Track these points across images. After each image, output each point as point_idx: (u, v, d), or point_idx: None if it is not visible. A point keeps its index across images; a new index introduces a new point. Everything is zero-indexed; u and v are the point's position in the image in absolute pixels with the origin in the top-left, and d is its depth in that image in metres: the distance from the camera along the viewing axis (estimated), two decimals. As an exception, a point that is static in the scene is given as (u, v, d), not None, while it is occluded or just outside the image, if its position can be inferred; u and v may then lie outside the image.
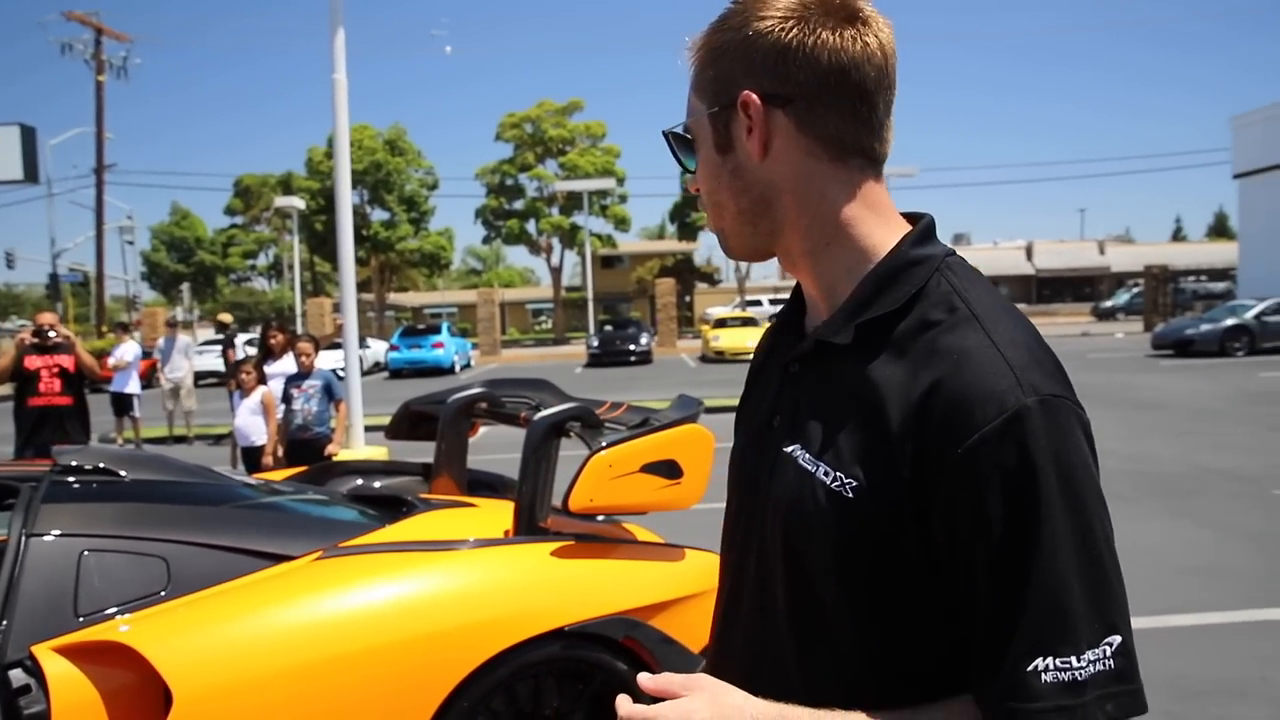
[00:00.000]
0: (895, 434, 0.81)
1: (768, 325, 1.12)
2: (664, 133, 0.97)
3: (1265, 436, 9.37)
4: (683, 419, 2.77)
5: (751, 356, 1.12)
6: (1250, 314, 19.91)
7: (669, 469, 2.62)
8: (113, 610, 2.26)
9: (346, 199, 8.43)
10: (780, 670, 0.90)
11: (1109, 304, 42.00)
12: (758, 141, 0.89)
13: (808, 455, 0.87)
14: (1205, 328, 20.00)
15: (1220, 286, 37.34)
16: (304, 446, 6.21)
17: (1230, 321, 19.86)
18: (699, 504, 2.80)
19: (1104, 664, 0.76)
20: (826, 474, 0.85)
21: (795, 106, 0.88)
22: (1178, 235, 75.73)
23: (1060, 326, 34.14)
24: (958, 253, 0.92)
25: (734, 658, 0.97)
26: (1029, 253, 58.02)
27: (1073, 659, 0.75)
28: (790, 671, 0.89)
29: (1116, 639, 0.77)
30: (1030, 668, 0.75)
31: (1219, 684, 3.60)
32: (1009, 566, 0.77)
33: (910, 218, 0.94)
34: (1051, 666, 0.75)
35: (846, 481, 0.83)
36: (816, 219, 0.91)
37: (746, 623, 0.96)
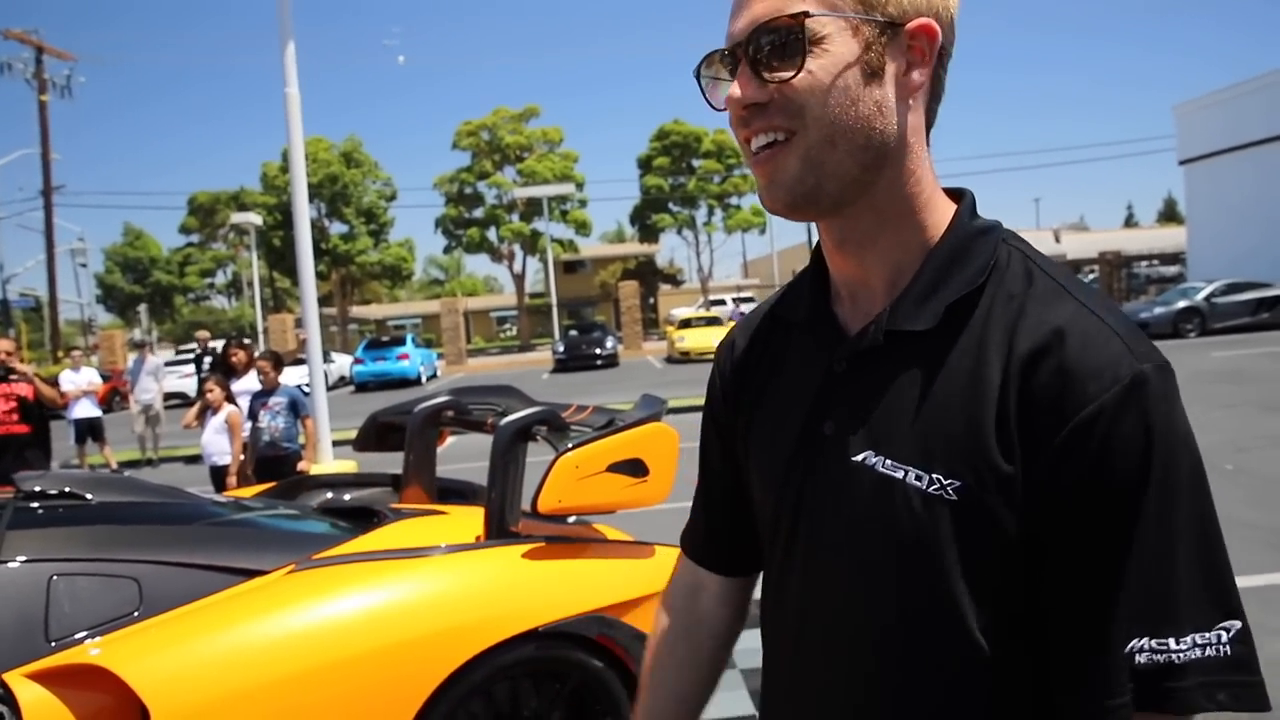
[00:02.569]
0: (998, 419, 0.73)
1: (755, 321, 0.99)
2: (776, 20, 0.76)
3: (1218, 414, 9.63)
4: (646, 418, 2.82)
5: (722, 357, 1.01)
6: (1200, 296, 20.41)
7: (635, 467, 2.67)
8: (83, 634, 2.25)
9: (304, 213, 8.38)
10: (869, 701, 0.81)
11: (1066, 291, 42.71)
12: (920, 79, 0.79)
13: (888, 461, 0.78)
14: (1158, 311, 20.43)
15: (1172, 270, 38.16)
16: (274, 463, 6.17)
17: (1182, 304, 20.33)
18: (667, 502, 2.85)
19: (1215, 650, 0.69)
20: (919, 478, 0.76)
21: (941, 64, 0.81)
22: (1130, 221, 77.41)
23: (1019, 315, 34.69)
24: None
25: (808, 705, 0.87)
26: (986, 243, 58.97)
27: (1171, 641, 0.69)
28: (887, 708, 0.80)
29: (1235, 624, 0.70)
30: (1126, 650, 0.70)
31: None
32: (1122, 550, 0.70)
33: (950, 192, 0.86)
34: (1148, 648, 0.70)
35: (947, 483, 0.75)
36: (913, 183, 0.81)
37: (821, 654, 0.85)
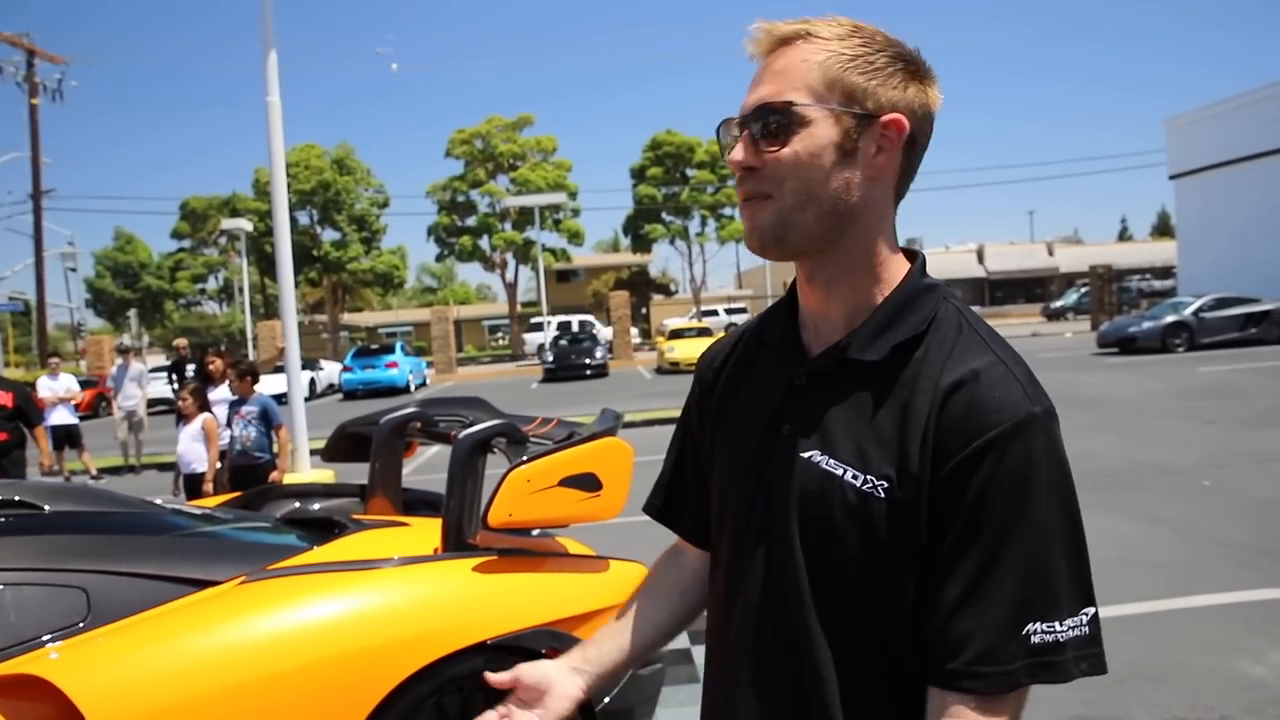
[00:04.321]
0: (920, 437, 0.91)
1: (735, 337, 1.17)
2: (772, 104, 0.95)
3: (1199, 430, 9.67)
4: (602, 432, 2.82)
5: (705, 362, 1.18)
6: (1189, 310, 20.49)
7: (588, 482, 2.67)
8: (28, 644, 2.24)
9: (284, 221, 8.38)
10: (793, 661, 0.97)
11: (1058, 304, 42.87)
12: (885, 162, 0.97)
13: (831, 460, 0.95)
14: (1147, 325, 20.51)
15: (1164, 284, 38.32)
16: (246, 472, 6.16)
17: (1170, 318, 20.39)
18: (627, 516, 2.85)
19: (1081, 630, 0.88)
20: (855, 477, 0.93)
21: (913, 149, 0.99)
22: (1124, 235, 77.79)
23: (1012, 327, 34.80)
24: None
25: (743, 651, 1.02)
26: (980, 256, 59.09)
27: (1055, 623, 0.87)
28: (804, 661, 0.96)
29: (1090, 609, 0.90)
30: (1027, 631, 0.87)
31: (1139, 671, 3.72)
32: (1011, 554, 0.88)
33: (906, 252, 1.04)
34: (1040, 630, 0.87)
35: (878, 483, 0.92)
36: (873, 243, 1.00)
37: (755, 617, 1.01)
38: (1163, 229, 69.94)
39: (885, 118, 0.94)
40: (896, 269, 1.01)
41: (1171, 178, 30.90)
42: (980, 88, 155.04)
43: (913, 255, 1.04)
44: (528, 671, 1.15)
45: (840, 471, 0.94)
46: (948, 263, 57.47)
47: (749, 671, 1.01)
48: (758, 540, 1.01)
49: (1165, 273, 40.99)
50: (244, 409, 6.27)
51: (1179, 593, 4.64)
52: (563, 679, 1.15)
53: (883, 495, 0.91)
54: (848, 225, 0.97)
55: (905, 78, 0.96)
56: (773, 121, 0.95)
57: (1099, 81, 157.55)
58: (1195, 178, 29.33)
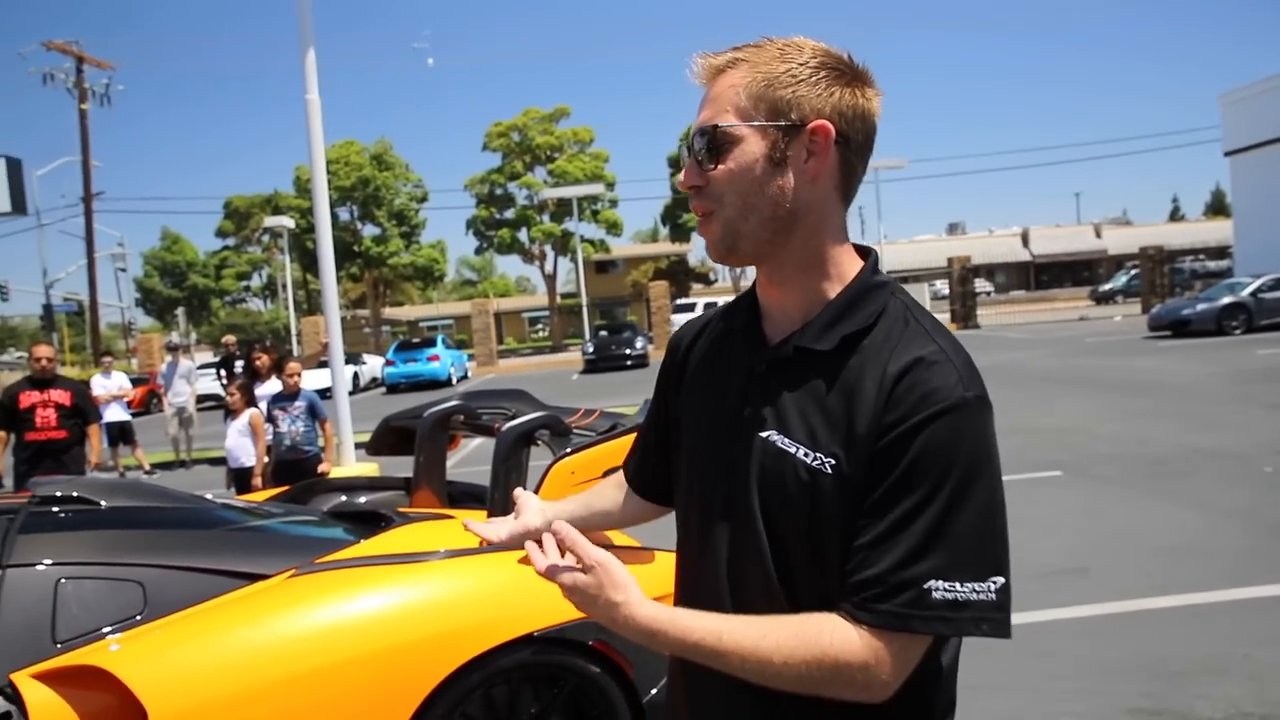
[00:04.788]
0: (866, 419, 1.00)
1: (705, 319, 1.28)
2: (704, 128, 1.06)
3: (1259, 415, 9.39)
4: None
5: (675, 343, 1.30)
6: (1246, 291, 19.86)
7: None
8: (89, 636, 2.29)
9: (325, 217, 8.47)
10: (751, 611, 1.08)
11: (1107, 287, 42.01)
12: (816, 166, 1.06)
13: (785, 440, 1.05)
14: (1201, 307, 19.94)
15: (1219, 265, 37.32)
16: (294, 467, 6.25)
17: (1227, 300, 19.80)
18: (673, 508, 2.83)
19: (986, 595, 0.97)
20: (806, 454, 1.03)
21: (847, 149, 1.07)
22: (1175, 215, 75.75)
23: (1058, 312, 34.19)
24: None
25: (707, 589, 1.14)
26: (1025, 239, 58.07)
27: (956, 584, 0.96)
28: (755, 594, 1.08)
29: (1000, 579, 0.99)
30: (927, 585, 0.96)
31: (1201, 663, 3.62)
32: (926, 514, 0.97)
33: (859, 249, 1.14)
34: (941, 587, 0.96)
35: (826, 460, 1.02)
36: (821, 242, 1.09)
37: (726, 580, 1.12)
38: (1217, 208, 68.02)
39: (811, 125, 1.03)
40: (849, 266, 1.11)
41: (1227, 154, 30.02)
42: (1024, 65, 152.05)
43: (866, 253, 1.14)
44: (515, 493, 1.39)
45: (793, 450, 1.04)
46: (991, 247, 56.53)
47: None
48: (724, 512, 1.11)
49: (1220, 253, 39.89)
50: (292, 405, 6.36)
51: (1240, 583, 4.50)
52: (535, 509, 1.35)
53: (830, 471, 1.02)
54: (793, 227, 1.07)
55: (831, 83, 1.04)
56: (708, 143, 1.06)
57: (1149, 57, 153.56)
58: (1252, 154, 28.44)
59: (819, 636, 0.98)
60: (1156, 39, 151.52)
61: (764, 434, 1.07)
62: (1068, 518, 5.98)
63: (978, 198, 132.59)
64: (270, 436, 6.47)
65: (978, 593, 0.97)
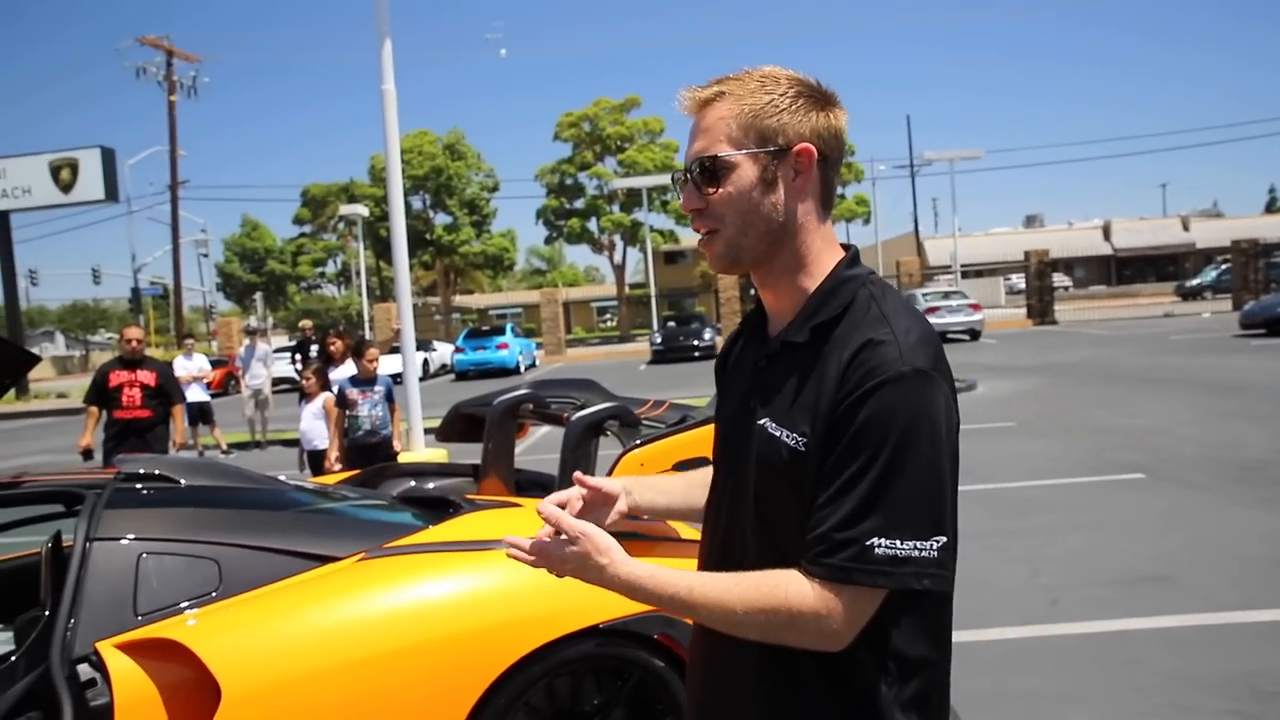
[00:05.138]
0: (827, 399, 1.12)
1: (739, 330, 1.42)
2: (703, 157, 1.19)
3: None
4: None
5: (720, 354, 1.45)
6: (1346, 289, 18.87)
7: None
8: (168, 610, 2.36)
9: (399, 206, 8.59)
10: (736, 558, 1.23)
11: (1194, 282, 40.24)
12: (802, 183, 1.20)
13: (774, 424, 1.18)
14: (1294, 305, 19.04)
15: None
16: (371, 450, 6.34)
17: (1325, 297, 18.84)
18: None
19: (928, 553, 1.07)
20: (788, 436, 1.16)
21: (825, 164, 1.21)
22: (1271, 207, 72.09)
23: (1141, 308, 32.95)
24: (876, 272, 1.27)
25: (715, 551, 1.30)
26: (1106, 232, 56.07)
27: (897, 541, 1.06)
28: (747, 556, 1.22)
29: (943, 539, 1.08)
30: (869, 542, 1.06)
31: (1296, 680, 3.44)
32: (868, 476, 1.07)
33: (843, 248, 1.27)
34: (883, 544, 1.06)
35: (799, 439, 1.14)
36: (808, 248, 1.22)
37: (723, 551, 1.28)
38: (1317, 200, 64.56)
39: (796, 148, 1.18)
40: (828, 264, 1.23)
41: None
42: (1108, 53, 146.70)
43: (847, 249, 1.26)
44: (597, 480, 1.40)
45: (779, 433, 1.16)
46: (1070, 240, 54.75)
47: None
48: (734, 493, 1.25)
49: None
50: (372, 389, 6.46)
51: (1340, 596, 4.26)
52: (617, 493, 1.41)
53: (802, 449, 1.13)
54: (784, 238, 1.21)
55: (808, 108, 1.18)
56: (707, 171, 1.19)
57: (1237, 46, 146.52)
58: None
59: (776, 589, 1.10)
60: (1245, 28, 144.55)
61: (760, 421, 1.20)
62: (1150, 522, 5.76)
63: (1057, 189, 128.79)
64: (346, 420, 6.58)
65: (920, 550, 1.06)
